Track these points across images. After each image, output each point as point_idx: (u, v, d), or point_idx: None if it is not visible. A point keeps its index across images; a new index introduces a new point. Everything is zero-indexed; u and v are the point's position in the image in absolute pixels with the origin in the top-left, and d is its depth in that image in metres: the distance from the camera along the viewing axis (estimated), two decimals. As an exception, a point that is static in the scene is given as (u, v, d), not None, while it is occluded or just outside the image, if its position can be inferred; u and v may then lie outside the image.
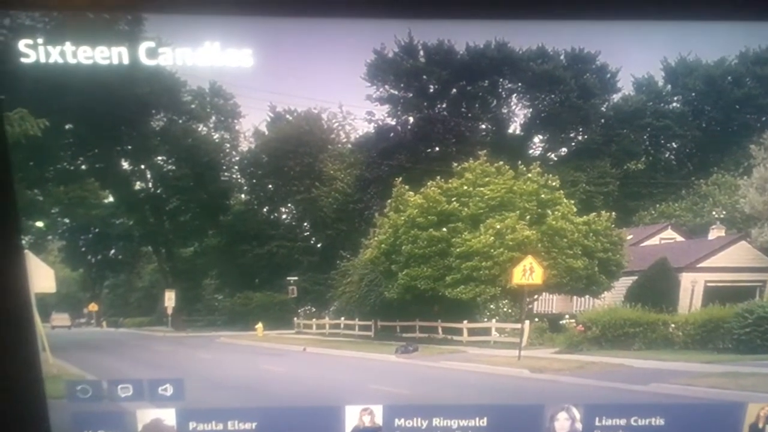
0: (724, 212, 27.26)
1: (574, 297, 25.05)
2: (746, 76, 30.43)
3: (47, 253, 30.67)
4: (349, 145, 34.29)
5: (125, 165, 31.06)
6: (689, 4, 6.69)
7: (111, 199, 31.80)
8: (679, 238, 28.12)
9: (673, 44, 27.93)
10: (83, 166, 29.02)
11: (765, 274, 23.95)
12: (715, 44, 28.57)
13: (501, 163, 24.30)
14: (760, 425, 8.70)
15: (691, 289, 23.68)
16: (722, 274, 24.00)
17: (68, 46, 7.76)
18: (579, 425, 8.69)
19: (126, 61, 7.87)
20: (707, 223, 27.35)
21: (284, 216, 35.73)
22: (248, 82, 25.09)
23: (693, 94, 31.94)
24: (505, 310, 22.53)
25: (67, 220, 32.07)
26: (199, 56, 8.05)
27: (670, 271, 23.35)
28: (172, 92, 27.59)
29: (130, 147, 29.68)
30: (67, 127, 26.47)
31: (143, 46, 7.88)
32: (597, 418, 8.74)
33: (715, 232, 25.97)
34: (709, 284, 23.83)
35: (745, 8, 6.72)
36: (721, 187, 29.17)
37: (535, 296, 24.08)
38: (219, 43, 7.98)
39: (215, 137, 32.41)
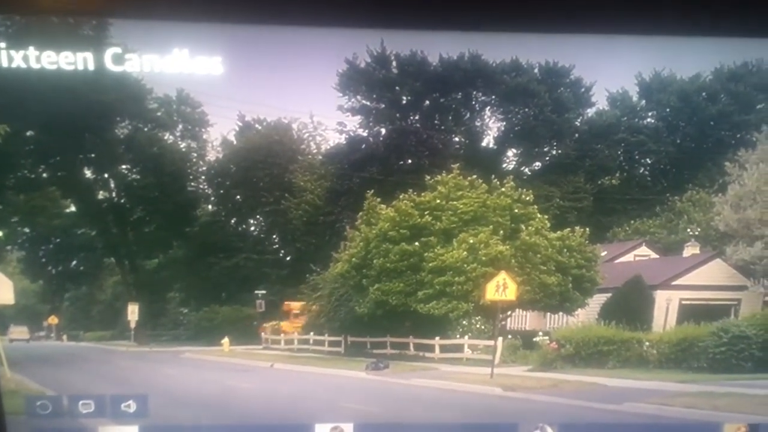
0: (698, 229, 27.58)
1: (548, 314, 25.15)
2: (721, 92, 30.91)
3: (6, 263, 30.15)
4: (320, 157, 34.23)
5: (88, 173, 30.74)
6: (664, 19, 6.77)
7: (73, 208, 31.45)
8: (654, 255, 28.38)
9: (647, 59, 28.30)
10: (45, 174, 28.69)
11: (740, 292, 24.22)
12: (690, 60, 29.01)
13: (474, 176, 24.39)
14: (735, 446, 8.76)
15: (666, 306, 23.89)
16: (697, 292, 24.24)
17: (32, 51, 7.68)
18: (552, 445, 8.70)
19: (91, 66, 7.79)
20: (682, 240, 27.64)
21: (252, 228, 35.53)
22: (217, 90, 24.97)
23: (667, 109, 32.35)
24: (477, 326, 22.57)
25: (27, 230, 31.64)
26: (166, 63, 8.00)
27: (644, 289, 23.55)
28: (137, 99, 27.39)
29: (93, 155, 29.39)
30: (28, 133, 26.16)
31: (109, 52, 7.81)
32: (571, 438, 8.76)
33: (690, 250, 26.26)
34: (684, 302, 24.06)
35: (719, 24, 6.83)
36: (696, 204, 29.54)
37: (509, 313, 24.15)
38: (188, 50, 7.94)
39: (182, 146, 32.20)
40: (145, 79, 24.99)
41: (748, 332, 17.71)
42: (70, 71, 7.81)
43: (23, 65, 7.67)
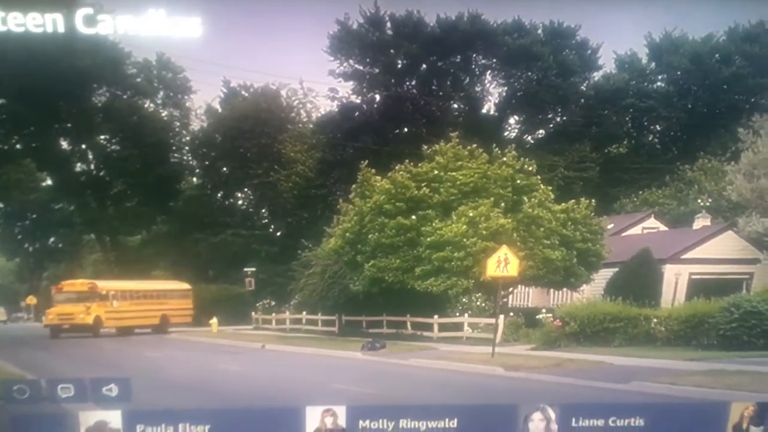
0: (710, 200, 27.57)
1: (552, 290, 25.25)
2: (735, 53, 30.80)
3: (-21, 241, 30.27)
4: (311, 125, 34.22)
5: (65, 144, 30.67)
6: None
7: (49, 182, 31.43)
8: (663, 228, 28.44)
9: (658, 18, 28.24)
10: (18, 146, 28.58)
11: (752, 266, 24.31)
12: (703, 19, 28.99)
13: (474, 145, 24.34)
14: (744, 426, 8.77)
15: (675, 281, 23.96)
16: (707, 266, 24.32)
17: (-3, 12, 7.55)
18: (554, 426, 8.69)
19: (61, 29, 7.65)
20: (692, 211, 27.65)
21: (240, 202, 35.57)
22: (199, 54, 24.88)
23: (678, 72, 32.29)
24: (478, 303, 22.63)
25: (1, 205, 31.63)
26: (142, 25, 7.86)
27: (652, 263, 23.60)
28: (115, 64, 27.17)
29: (69, 125, 29.25)
30: (-1, 102, 26.08)
31: (80, 13, 7.67)
32: (574, 419, 8.74)
33: (701, 221, 26.27)
34: (693, 276, 24.15)
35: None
36: (707, 173, 29.54)
37: (510, 289, 24.21)
38: (164, 10, 7.81)
39: (164, 114, 32.12)
40: (122, 42, 24.80)
41: (761, 308, 17.71)
42: (39, 34, 7.69)
43: (-12, 27, 7.54)
